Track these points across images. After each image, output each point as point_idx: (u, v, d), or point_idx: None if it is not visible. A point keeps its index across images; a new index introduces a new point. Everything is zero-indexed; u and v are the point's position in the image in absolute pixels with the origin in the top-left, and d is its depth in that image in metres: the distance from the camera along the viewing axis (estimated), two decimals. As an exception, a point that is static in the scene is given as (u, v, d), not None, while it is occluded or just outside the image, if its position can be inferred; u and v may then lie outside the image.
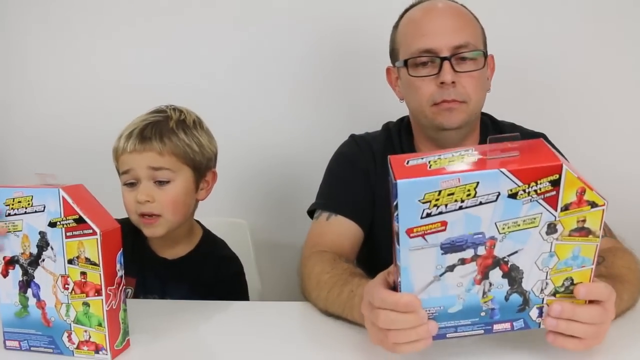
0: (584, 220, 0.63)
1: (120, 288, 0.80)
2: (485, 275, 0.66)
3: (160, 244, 1.13)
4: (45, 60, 1.61)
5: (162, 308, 1.00)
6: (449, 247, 0.64)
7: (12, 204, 0.78)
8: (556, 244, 0.64)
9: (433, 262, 0.65)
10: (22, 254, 0.79)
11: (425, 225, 0.62)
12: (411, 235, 0.63)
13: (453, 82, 0.99)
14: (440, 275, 0.65)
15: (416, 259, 0.64)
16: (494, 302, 0.67)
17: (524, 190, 0.61)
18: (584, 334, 0.67)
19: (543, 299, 0.67)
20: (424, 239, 0.63)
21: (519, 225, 0.63)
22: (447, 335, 0.69)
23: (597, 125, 1.45)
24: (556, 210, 0.63)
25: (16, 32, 1.62)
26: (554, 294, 0.67)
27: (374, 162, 1.10)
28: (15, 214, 0.78)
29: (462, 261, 0.65)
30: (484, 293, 0.67)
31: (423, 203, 0.62)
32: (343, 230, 1.04)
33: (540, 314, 0.68)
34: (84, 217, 0.75)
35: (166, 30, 1.55)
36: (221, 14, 1.53)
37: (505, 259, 0.65)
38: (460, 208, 0.62)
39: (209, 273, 1.10)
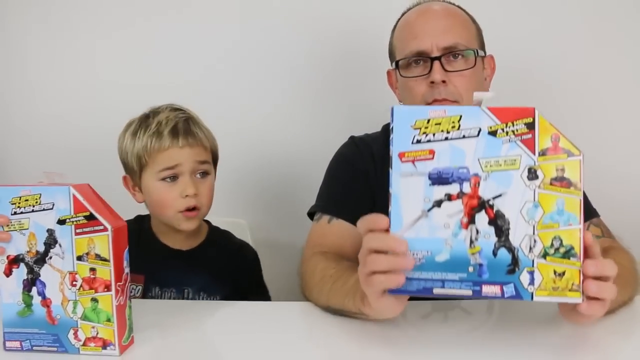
0: (563, 170, 0.68)
1: (127, 284, 0.82)
2: (471, 219, 0.69)
3: (172, 238, 1.15)
4: (45, 60, 1.60)
5: (164, 307, 1.02)
6: (436, 178, 0.69)
7: (19, 203, 0.79)
8: (539, 192, 0.68)
9: (421, 193, 0.70)
10: (28, 252, 0.80)
11: (415, 152, 0.70)
12: (403, 159, 0.70)
13: (444, 82, 1.02)
14: (428, 210, 0.70)
15: (406, 187, 0.70)
16: (482, 256, 0.69)
17: (503, 129, 0.68)
18: (610, 293, 0.67)
19: (533, 261, 0.69)
20: (414, 165, 0.70)
21: (500, 165, 0.69)
22: (434, 291, 0.70)
23: (597, 126, 1.47)
24: (534, 154, 0.68)
25: (16, 31, 1.60)
26: (544, 256, 0.68)
27: (373, 163, 1.10)
28: (21, 212, 0.79)
29: (449, 197, 0.69)
30: (471, 242, 0.69)
31: (414, 129, 0.70)
32: (345, 233, 1.03)
33: (532, 281, 0.68)
34: (95, 214, 0.77)
35: (166, 30, 1.57)
36: (221, 14, 1.55)
37: (491, 202, 0.69)
38: (446, 139, 0.69)
39: (228, 261, 1.14)
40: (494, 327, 0.87)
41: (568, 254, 0.68)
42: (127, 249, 0.81)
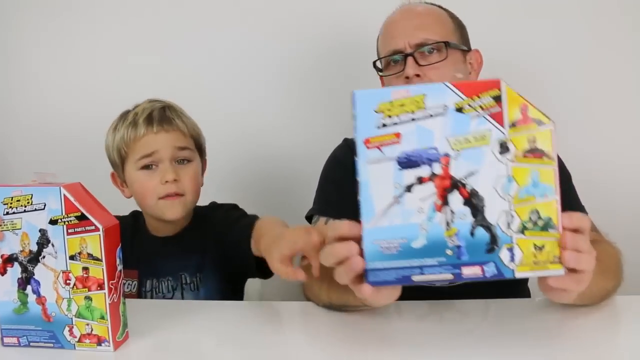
0: (534, 140, 0.67)
1: (120, 282, 0.83)
2: (445, 200, 0.67)
3: (161, 229, 1.16)
4: (45, 57, 1.60)
5: (161, 307, 1.03)
6: (405, 162, 0.67)
7: (11, 203, 0.80)
8: (512, 166, 0.66)
9: (391, 179, 0.67)
10: (21, 251, 0.81)
11: (381, 136, 0.67)
12: (368, 145, 0.67)
13: (418, 75, 1.04)
14: (400, 196, 0.67)
15: (374, 174, 0.67)
16: (460, 237, 0.67)
17: (469, 105, 0.66)
18: (588, 264, 0.66)
19: (512, 237, 0.67)
20: (381, 150, 0.67)
21: (470, 141, 0.67)
22: (413, 278, 0.68)
23: (597, 126, 1.47)
24: (504, 127, 0.66)
25: (17, 30, 1.60)
26: (522, 231, 0.66)
27: None
28: (14, 213, 0.80)
29: (420, 180, 0.67)
30: (447, 224, 0.67)
31: (377, 113, 0.67)
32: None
33: (513, 257, 0.67)
34: (86, 213, 0.78)
35: (167, 30, 1.56)
36: (220, 15, 1.54)
37: (463, 182, 0.67)
38: (412, 120, 0.67)
39: (212, 233, 1.13)
40: (490, 327, 0.87)
41: (547, 226, 0.66)
42: (119, 247, 0.82)
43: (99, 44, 1.58)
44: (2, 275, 0.82)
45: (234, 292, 1.17)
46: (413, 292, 1.00)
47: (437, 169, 0.67)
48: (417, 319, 0.91)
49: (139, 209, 1.19)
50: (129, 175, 1.11)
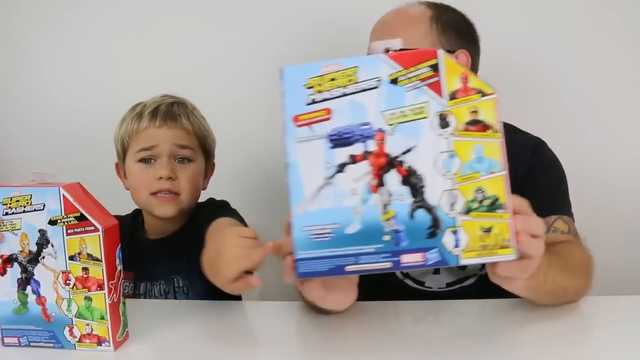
0: (476, 112, 0.62)
1: (120, 282, 0.83)
2: (381, 180, 0.62)
3: (158, 229, 1.13)
4: (46, 55, 1.60)
5: (162, 307, 1.02)
6: (337, 139, 0.63)
7: (10, 203, 0.80)
8: (454, 140, 0.61)
9: (322, 158, 0.63)
10: (20, 252, 0.81)
11: (311, 113, 0.63)
12: (297, 123, 0.63)
13: None
14: (331, 177, 0.63)
15: (304, 153, 0.63)
16: (398, 220, 0.62)
17: (405, 76, 0.62)
18: (538, 250, 0.63)
19: (456, 218, 0.61)
20: (310, 128, 0.63)
21: (406, 115, 0.62)
22: (347, 268, 0.63)
23: (597, 126, 1.46)
24: (442, 98, 0.62)
25: (19, 28, 1.59)
26: (467, 212, 0.61)
27: None
28: (13, 213, 0.80)
29: (353, 159, 0.63)
30: (384, 206, 0.62)
31: (307, 88, 0.63)
32: None
33: (458, 242, 0.61)
34: (86, 214, 0.77)
35: (169, 28, 1.55)
36: (222, 14, 1.53)
37: (400, 159, 0.62)
38: (344, 95, 0.62)
39: (198, 227, 1.04)
40: (487, 328, 0.87)
41: (493, 206, 0.61)
42: (119, 247, 0.82)
43: (102, 42, 1.57)
44: (2, 275, 0.82)
45: (226, 295, 1.13)
46: (410, 297, 1.01)
47: (372, 145, 0.62)
48: (414, 320, 0.91)
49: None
50: (127, 167, 1.10)
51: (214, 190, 1.17)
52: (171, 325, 0.90)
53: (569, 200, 1.04)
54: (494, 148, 0.61)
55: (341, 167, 0.63)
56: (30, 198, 0.79)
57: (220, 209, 1.10)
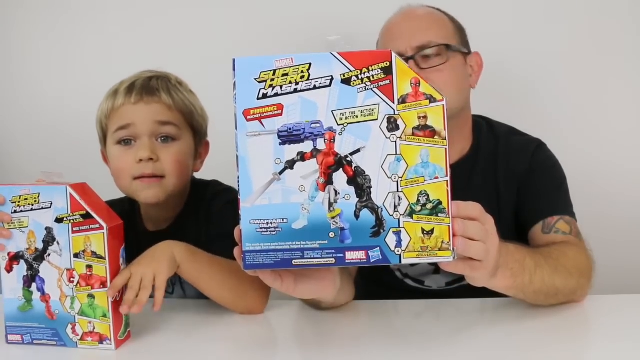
0: (425, 117, 0.63)
1: (123, 281, 0.84)
2: (329, 179, 0.64)
3: (151, 216, 1.07)
4: (47, 54, 1.62)
5: (163, 306, 0.99)
6: (287, 136, 0.63)
7: (19, 202, 0.82)
8: (401, 144, 0.63)
9: (271, 154, 0.63)
10: (27, 249, 0.83)
11: (262, 108, 0.63)
12: (248, 117, 0.63)
13: None
14: (280, 172, 0.64)
15: (254, 148, 0.63)
16: (343, 219, 0.64)
17: (357, 77, 0.62)
18: (478, 252, 0.65)
19: (399, 220, 0.63)
20: (261, 123, 0.63)
21: (357, 116, 0.63)
22: (294, 262, 0.64)
23: (596, 126, 1.47)
24: (393, 102, 0.63)
25: (20, 28, 1.62)
26: (410, 215, 0.63)
27: None
28: (21, 211, 0.82)
29: (302, 156, 0.63)
30: (330, 204, 0.64)
31: (259, 82, 0.63)
32: None
33: (400, 243, 0.63)
34: (91, 212, 0.79)
35: (170, 29, 1.57)
36: (224, 15, 1.55)
37: (348, 159, 0.63)
38: (296, 91, 0.63)
39: (204, 217, 1.02)
40: (486, 325, 0.88)
41: (436, 209, 0.63)
42: (123, 246, 0.84)
43: (104, 42, 1.59)
44: (9, 272, 0.84)
45: None
46: (410, 296, 1.01)
47: (321, 144, 0.63)
48: (414, 317, 0.92)
49: None
50: (108, 150, 1.02)
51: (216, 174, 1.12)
52: (173, 324, 0.91)
53: (571, 201, 1.04)
54: (440, 154, 0.63)
55: (290, 164, 0.64)
56: (39, 196, 0.81)
57: (229, 206, 0.97)
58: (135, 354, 0.82)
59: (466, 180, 1.04)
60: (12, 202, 0.82)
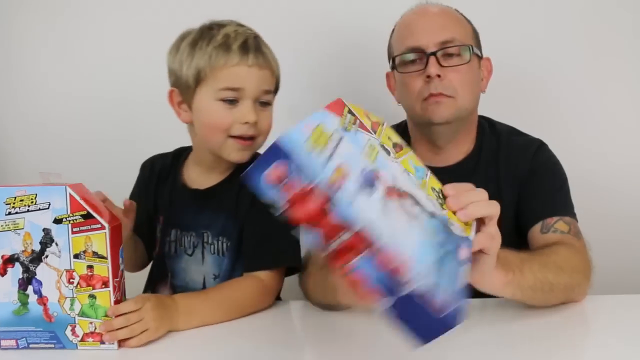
0: (389, 138, 0.67)
1: (123, 280, 0.84)
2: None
3: (198, 175, 1.07)
4: (47, 53, 1.58)
5: None
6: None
7: (14, 203, 0.80)
8: (399, 161, 0.65)
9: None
10: (23, 251, 0.81)
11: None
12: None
13: (439, 76, 1.01)
14: None
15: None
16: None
17: (346, 122, 0.63)
18: (482, 209, 0.67)
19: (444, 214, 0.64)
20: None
21: (371, 153, 0.63)
22: None
23: (597, 126, 1.49)
24: (372, 133, 0.65)
25: (18, 27, 1.57)
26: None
27: None
28: (16, 212, 0.80)
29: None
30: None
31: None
32: None
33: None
34: (92, 212, 0.79)
35: (171, 28, 1.51)
36: (224, 10, 1.55)
37: (397, 187, 0.62)
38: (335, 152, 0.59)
39: (245, 200, 1.01)
40: (487, 326, 0.88)
41: (443, 200, 0.66)
42: (122, 246, 0.84)
43: (103, 42, 1.55)
44: (2, 276, 0.82)
45: None
46: None
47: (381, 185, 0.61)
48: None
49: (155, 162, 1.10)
50: (200, 101, 0.99)
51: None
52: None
53: (571, 201, 1.05)
54: (415, 157, 0.69)
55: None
56: (35, 197, 0.80)
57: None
58: (136, 353, 0.82)
59: (468, 179, 1.05)
60: (7, 204, 0.80)
